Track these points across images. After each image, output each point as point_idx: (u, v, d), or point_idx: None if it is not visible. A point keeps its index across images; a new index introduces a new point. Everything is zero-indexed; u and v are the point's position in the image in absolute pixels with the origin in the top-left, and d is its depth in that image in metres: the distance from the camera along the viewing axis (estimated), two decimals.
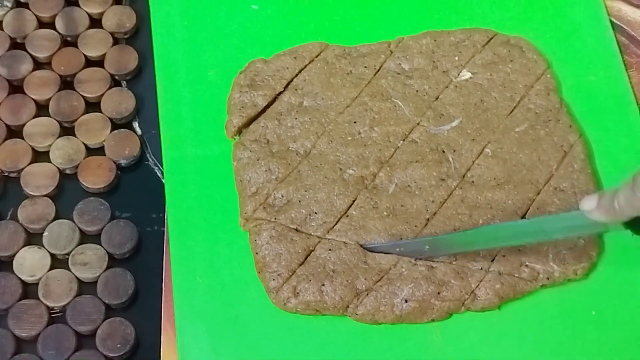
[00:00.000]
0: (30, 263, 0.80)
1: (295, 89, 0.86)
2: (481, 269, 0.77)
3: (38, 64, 0.89)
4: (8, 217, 0.82)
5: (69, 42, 0.91)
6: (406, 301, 0.76)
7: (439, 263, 0.78)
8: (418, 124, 0.84)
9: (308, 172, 0.81)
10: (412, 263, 0.77)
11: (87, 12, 0.91)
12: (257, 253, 0.78)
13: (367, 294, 0.77)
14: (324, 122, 0.84)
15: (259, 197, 0.80)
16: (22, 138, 0.85)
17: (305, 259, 0.78)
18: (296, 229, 0.79)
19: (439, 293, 0.77)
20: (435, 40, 0.89)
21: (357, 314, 0.76)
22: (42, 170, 0.84)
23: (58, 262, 0.80)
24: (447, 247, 0.77)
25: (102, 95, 0.87)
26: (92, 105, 0.88)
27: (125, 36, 0.92)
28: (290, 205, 0.80)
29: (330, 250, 0.78)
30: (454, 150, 0.83)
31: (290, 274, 0.77)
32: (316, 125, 0.84)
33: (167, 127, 0.85)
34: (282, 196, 0.80)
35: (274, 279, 0.77)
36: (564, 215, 0.76)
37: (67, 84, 0.89)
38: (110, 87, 0.88)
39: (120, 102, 0.87)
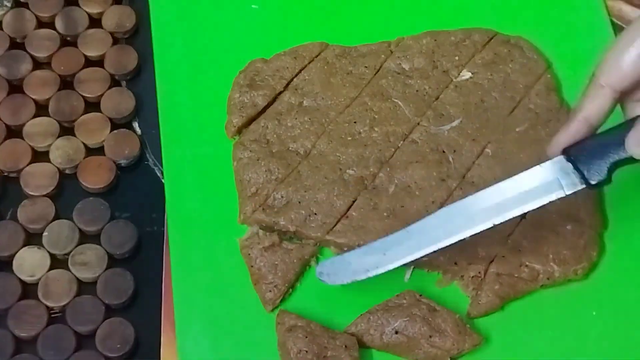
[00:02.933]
0: (30, 263, 0.80)
1: (295, 89, 0.86)
2: (479, 273, 0.77)
3: (38, 64, 0.89)
4: (8, 217, 0.82)
5: (68, 42, 0.91)
6: (396, 332, 0.74)
7: (444, 309, 0.75)
8: (418, 124, 0.84)
9: (308, 172, 0.81)
10: (416, 299, 0.76)
11: (87, 12, 0.91)
12: (252, 266, 0.78)
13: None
14: (324, 122, 0.84)
15: (258, 197, 0.80)
16: (22, 138, 0.85)
17: (301, 269, 0.78)
18: (294, 232, 0.79)
19: (430, 336, 0.74)
20: (435, 40, 0.88)
21: (347, 332, 0.75)
22: (42, 170, 0.84)
23: (58, 262, 0.80)
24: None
25: (102, 95, 0.87)
26: (92, 105, 0.87)
27: (125, 36, 0.92)
28: (290, 206, 0.80)
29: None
30: (454, 151, 0.83)
31: (286, 285, 0.77)
32: (316, 125, 0.84)
33: (167, 127, 0.85)
34: (282, 197, 0.80)
35: (270, 290, 0.77)
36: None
37: (66, 84, 0.89)
38: (110, 87, 0.88)
39: (120, 102, 0.87)
